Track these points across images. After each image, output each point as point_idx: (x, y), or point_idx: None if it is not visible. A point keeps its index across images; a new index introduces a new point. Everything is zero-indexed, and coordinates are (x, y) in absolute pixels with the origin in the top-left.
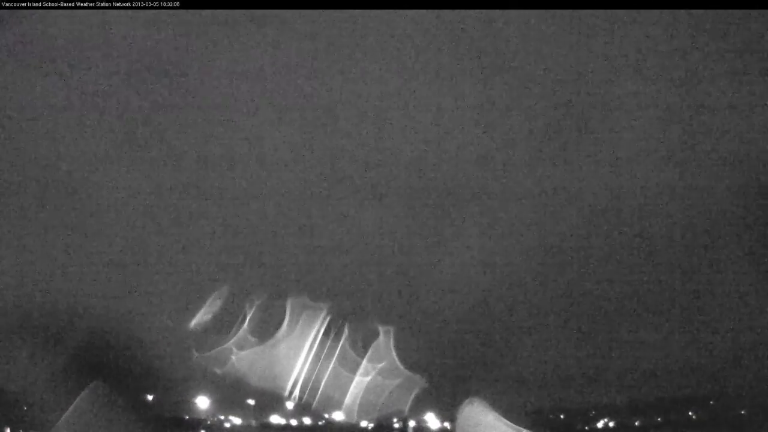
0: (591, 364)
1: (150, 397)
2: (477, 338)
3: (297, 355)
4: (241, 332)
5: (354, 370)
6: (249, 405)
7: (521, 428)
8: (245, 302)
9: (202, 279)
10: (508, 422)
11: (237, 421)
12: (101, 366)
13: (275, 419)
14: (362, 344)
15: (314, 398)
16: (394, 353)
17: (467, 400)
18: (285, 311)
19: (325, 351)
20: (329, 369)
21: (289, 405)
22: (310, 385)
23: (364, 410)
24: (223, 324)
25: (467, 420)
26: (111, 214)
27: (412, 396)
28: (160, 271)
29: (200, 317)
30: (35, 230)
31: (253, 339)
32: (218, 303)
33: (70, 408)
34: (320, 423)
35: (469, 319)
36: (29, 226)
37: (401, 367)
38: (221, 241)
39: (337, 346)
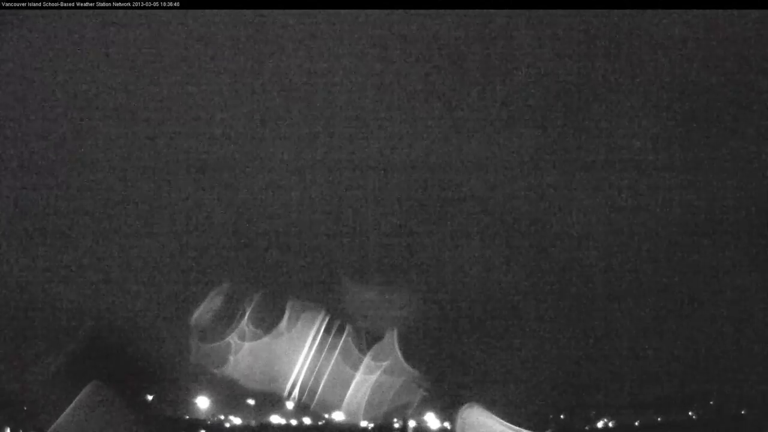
0: (591, 364)
1: (150, 397)
2: (477, 338)
3: (296, 355)
4: (240, 331)
5: (354, 371)
6: (249, 405)
7: (521, 429)
8: (245, 301)
9: (202, 279)
10: (508, 424)
11: (237, 421)
12: (101, 366)
13: (275, 419)
14: (363, 345)
15: (313, 399)
16: (398, 353)
17: (466, 405)
18: (284, 311)
19: (324, 351)
20: (329, 370)
21: (289, 405)
22: (309, 385)
23: (366, 410)
24: (223, 322)
25: (466, 423)
26: (111, 214)
27: (418, 396)
28: (160, 271)
29: (200, 313)
30: (35, 230)
31: (252, 338)
32: (218, 300)
33: (69, 407)
34: (320, 423)
35: (469, 319)
36: (29, 227)
37: (406, 365)
38: (222, 242)
39: (338, 347)
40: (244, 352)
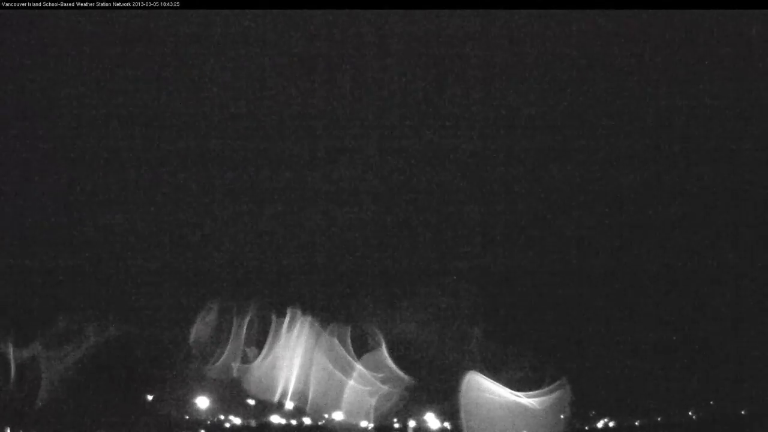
0: (591, 364)
1: (150, 397)
2: (477, 338)
3: (292, 363)
4: (237, 342)
5: (348, 376)
6: (249, 405)
7: (520, 393)
8: (241, 311)
9: (202, 281)
10: (508, 388)
11: (237, 421)
12: (102, 366)
13: (275, 419)
14: (356, 349)
15: (306, 403)
16: (388, 359)
17: (469, 372)
18: (282, 319)
19: (321, 356)
20: (325, 374)
21: (289, 405)
22: (306, 391)
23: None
24: (220, 336)
25: (470, 389)
26: (112, 214)
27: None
28: (161, 273)
29: (196, 332)
30: (37, 233)
31: (248, 349)
32: (210, 317)
33: (71, 407)
34: (320, 423)
35: (467, 319)
36: (31, 229)
37: (398, 370)
38: (221, 247)
39: (334, 350)
40: (241, 365)
